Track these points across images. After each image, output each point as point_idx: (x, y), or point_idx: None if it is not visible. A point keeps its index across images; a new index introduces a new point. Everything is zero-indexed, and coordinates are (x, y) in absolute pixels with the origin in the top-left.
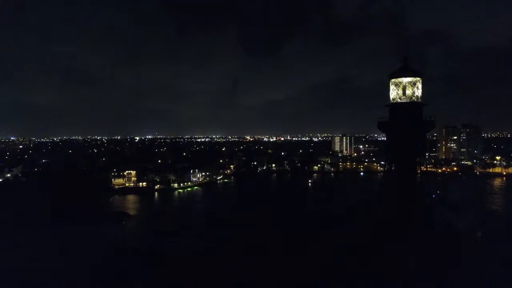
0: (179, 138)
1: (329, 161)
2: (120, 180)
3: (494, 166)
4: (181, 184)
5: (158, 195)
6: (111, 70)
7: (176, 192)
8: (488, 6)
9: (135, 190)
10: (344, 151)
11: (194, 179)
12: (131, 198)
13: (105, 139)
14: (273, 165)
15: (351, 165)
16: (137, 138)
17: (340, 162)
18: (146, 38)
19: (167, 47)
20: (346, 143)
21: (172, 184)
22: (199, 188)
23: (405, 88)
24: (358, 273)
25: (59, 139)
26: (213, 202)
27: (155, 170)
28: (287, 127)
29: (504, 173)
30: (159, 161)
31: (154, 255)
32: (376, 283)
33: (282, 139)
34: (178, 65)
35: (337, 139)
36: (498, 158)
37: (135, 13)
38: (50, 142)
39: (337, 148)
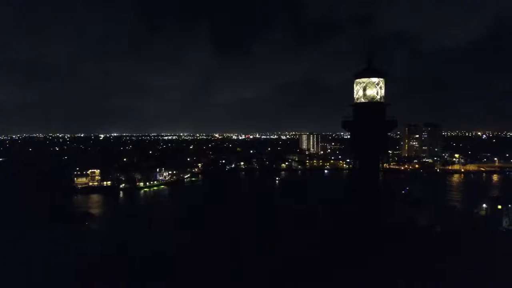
0: (145, 135)
1: (296, 159)
2: (83, 179)
3: (453, 163)
4: (147, 183)
5: (123, 194)
6: (77, 66)
7: (142, 191)
8: (449, 11)
9: (99, 189)
10: (312, 149)
11: (161, 178)
12: (95, 197)
13: (67, 137)
14: (242, 163)
15: (318, 163)
16: (102, 135)
17: (307, 160)
18: (114, 34)
19: (136, 43)
20: (314, 141)
21: (137, 183)
22: (165, 187)
23: (368, 89)
24: (323, 270)
25: (18, 136)
26: (179, 201)
27: (120, 168)
28: (256, 125)
29: (462, 170)
30: (125, 159)
31: (118, 256)
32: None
33: (251, 137)
34: (147, 61)
35: (304, 137)
36: (456, 156)
37: (104, 8)
38: (8, 139)
39: (304, 146)
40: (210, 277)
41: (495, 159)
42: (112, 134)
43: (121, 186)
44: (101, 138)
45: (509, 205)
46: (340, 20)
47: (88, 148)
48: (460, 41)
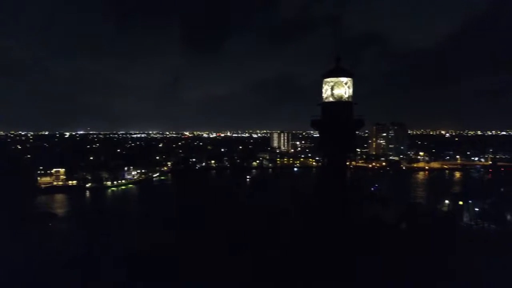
0: (113, 133)
1: (267, 157)
2: (47, 179)
3: (418, 161)
4: (115, 182)
5: (89, 193)
6: (42, 62)
7: (109, 190)
8: (417, 13)
9: (64, 189)
10: (282, 147)
11: (129, 177)
12: (59, 197)
13: (31, 135)
14: (212, 161)
15: (288, 161)
16: (68, 133)
17: (278, 158)
18: (84, 30)
19: (106, 40)
20: (284, 139)
21: (105, 182)
22: (134, 186)
23: (336, 88)
24: (293, 270)
25: None
26: (147, 200)
27: (87, 167)
28: (228, 123)
29: (427, 167)
30: (91, 158)
31: (81, 257)
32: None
33: (222, 135)
34: (116, 59)
35: (275, 136)
36: (421, 154)
37: (74, 5)
38: None
39: (276, 144)
40: (180, 275)
41: (457, 157)
42: (79, 132)
43: (87, 185)
44: (66, 136)
45: (470, 201)
46: (312, 19)
47: (52, 146)
48: (427, 42)
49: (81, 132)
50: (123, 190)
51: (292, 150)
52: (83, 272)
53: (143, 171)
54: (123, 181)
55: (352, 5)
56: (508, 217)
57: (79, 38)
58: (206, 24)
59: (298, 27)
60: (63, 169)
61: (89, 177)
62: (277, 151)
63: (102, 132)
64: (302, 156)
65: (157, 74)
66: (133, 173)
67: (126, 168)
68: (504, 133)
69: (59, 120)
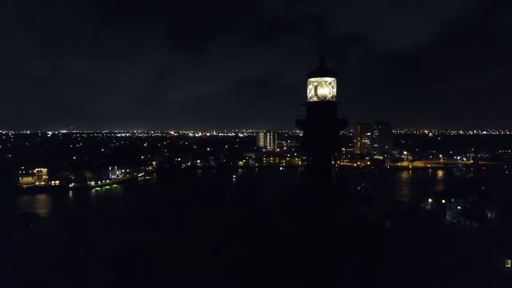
0: (97, 133)
1: (253, 157)
2: (29, 179)
3: (402, 160)
4: (99, 182)
5: (72, 194)
6: (22, 60)
7: (93, 190)
8: (403, 14)
9: (46, 189)
10: (268, 147)
11: (113, 177)
12: (41, 198)
13: (11, 134)
14: (198, 161)
15: (274, 160)
16: (50, 132)
17: (264, 157)
18: (65, 27)
19: (88, 37)
20: (270, 138)
21: (88, 182)
22: (118, 185)
23: (321, 88)
24: (278, 269)
25: None
26: (132, 200)
27: (70, 167)
28: (213, 123)
29: (410, 166)
30: (74, 157)
31: (65, 258)
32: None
33: (208, 134)
34: (100, 57)
35: (261, 135)
36: (405, 153)
37: (54, 0)
38: None
39: (261, 143)
40: (164, 275)
41: (440, 156)
42: (62, 131)
43: (70, 185)
44: (49, 135)
45: (452, 200)
46: (298, 19)
47: (34, 145)
48: (411, 42)
49: (64, 131)
50: (107, 190)
51: (278, 149)
52: (69, 272)
53: (127, 170)
54: (107, 181)
55: (337, 5)
56: (489, 215)
57: (61, 35)
58: (191, 23)
59: (284, 27)
60: (46, 169)
61: (72, 177)
62: (263, 151)
63: (85, 131)
64: (288, 155)
65: (141, 73)
66: (117, 172)
67: (110, 168)
68: (485, 132)
69: (41, 119)
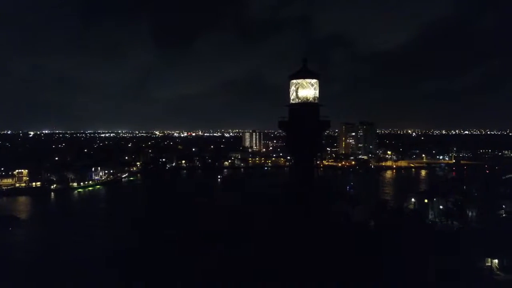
0: (80, 133)
1: (239, 157)
2: (8, 180)
3: (386, 160)
4: (82, 183)
5: (54, 195)
6: (3, 60)
7: (75, 192)
8: (383, 17)
9: (27, 191)
10: (254, 147)
11: (96, 178)
12: (22, 200)
13: None
14: (183, 161)
15: (260, 160)
16: (32, 133)
17: (250, 157)
18: (46, 25)
19: (71, 35)
20: (256, 138)
21: (70, 183)
22: (101, 187)
23: (303, 89)
24: (258, 270)
25: None
26: (115, 201)
27: (52, 168)
28: (199, 123)
29: (394, 166)
30: (56, 158)
31: (45, 264)
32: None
33: (194, 134)
34: (83, 55)
35: (247, 135)
36: (389, 152)
37: None
38: None
39: (247, 144)
40: (143, 276)
41: (423, 155)
42: (44, 131)
43: (52, 187)
44: (30, 136)
45: (434, 199)
46: (283, 20)
47: (15, 146)
48: (391, 45)
49: (46, 132)
50: (90, 191)
51: (264, 150)
52: (46, 277)
53: (111, 171)
54: (90, 182)
55: (323, 7)
56: (470, 214)
57: (43, 34)
58: (176, 22)
59: (270, 27)
60: (26, 170)
61: (54, 178)
62: (249, 151)
63: (68, 132)
64: (274, 155)
65: (126, 72)
66: (100, 173)
67: (93, 169)
68: (466, 132)
69: (23, 119)
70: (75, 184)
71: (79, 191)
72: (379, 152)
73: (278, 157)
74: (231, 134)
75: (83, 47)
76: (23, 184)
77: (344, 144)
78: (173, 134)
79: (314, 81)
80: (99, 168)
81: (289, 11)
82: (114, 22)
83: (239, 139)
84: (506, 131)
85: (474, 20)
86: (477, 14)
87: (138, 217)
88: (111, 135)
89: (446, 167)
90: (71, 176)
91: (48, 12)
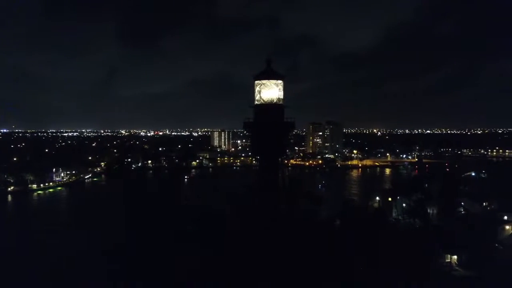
0: (42, 132)
1: (207, 157)
2: None
3: (352, 159)
4: (42, 185)
5: (11, 198)
6: None
7: (34, 194)
8: (350, 18)
9: None
10: (223, 146)
11: (57, 179)
12: None
13: None
14: (149, 161)
15: (229, 159)
16: None
17: (219, 157)
18: (6, 19)
19: (33, 31)
20: (225, 138)
21: (30, 185)
22: (63, 188)
23: (268, 90)
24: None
25: None
26: (76, 202)
27: (9, 169)
28: (167, 121)
29: (360, 165)
30: (15, 159)
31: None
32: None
33: (161, 133)
34: (47, 52)
35: (216, 134)
36: (355, 151)
37: None
38: None
39: (216, 143)
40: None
41: (388, 154)
42: (2, 131)
43: (9, 189)
44: None
45: (398, 198)
46: (251, 19)
47: None
48: (358, 45)
49: (5, 131)
50: (50, 193)
51: (233, 149)
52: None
53: (73, 172)
54: (51, 183)
55: (291, 7)
56: (430, 212)
57: (3, 29)
58: (143, 20)
59: (238, 27)
60: None
61: (12, 180)
62: (218, 150)
63: (29, 131)
64: (243, 154)
65: (91, 70)
66: (62, 174)
67: (54, 170)
68: (428, 131)
69: None
70: (34, 186)
71: (39, 193)
72: (346, 151)
73: (247, 156)
74: (199, 133)
75: (46, 43)
76: None
77: (312, 144)
78: (140, 133)
79: (278, 82)
80: (60, 169)
81: (257, 11)
82: (79, 18)
83: (207, 139)
84: (465, 131)
85: (435, 25)
86: (437, 20)
87: (97, 219)
88: (75, 134)
89: (410, 166)
90: (30, 177)
91: (9, 5)
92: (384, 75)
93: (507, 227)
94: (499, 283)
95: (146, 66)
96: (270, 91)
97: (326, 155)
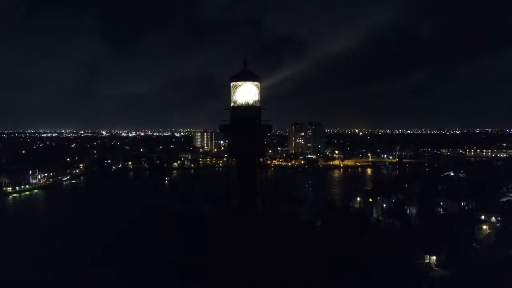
0: (20, 133)
1: (189, 157)
2: None
3: (334, 159)
4: (17, 188)
5: None
6: None
7: (9, 197)
8: (333, 20)
9: None
10: (206, 147)
11: (34, 181)
12: None
13: None
14: (130, 162)
15: (211, 160)
16: None
17: (201, 158)
18: None
19: (12, 29)
20: (208, 138)
21: (4, 188)
22: (40, 191)
23: (244, 92)
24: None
25: None
26: (52, 207)
27: None
28: (148, 122)
29: (342, 165)
30: None
31: None
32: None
33: (142, 134)
34: (22, 51)
35: (198, 135)
36: (337, 152)
37: None
38: None
39: (198, 143)
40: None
41: (369, 154)
42: None
43: None
44: None
45: (378, 198)
46: (234, 20)
47: None
48: (339, 47)
49: None
50: (26, 196)
51: (215, 150)
52: None
53: (51, 174)
54: (27, 186)
55: (274, 8)
56: (410, 212)
57: None
58: (125, 20)
59: (221, 27)
60: None
61: None
62: (200, 151)
63: (6, 132)
64: (226, 155)
65: (71, 70)
66: (39, 177)
67: (30, 172)
68: (409, 131)
69: None
70: (9, 189)
71: (14, 196)
72: (327, 151)
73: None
74: (182, 133)
75: (25, 42)
76: None
77: (294, 144)
78: (121, 133)
79: (255, 83)
80: (37, 171)
81: (240, 11)
82: (60, 17)
83: (190, 139)
84: (444, 131)
85: (417, 29)
86: (417, 23)
87: (75, 224)
88: (54, 135)
89: (390, 166)
90: (5, 180)
91: None
92: (367, 76)
93: (484, 226)
94: (477, 283)
95: (128, 66)
96: (246, 93)
97: (309, 156)
